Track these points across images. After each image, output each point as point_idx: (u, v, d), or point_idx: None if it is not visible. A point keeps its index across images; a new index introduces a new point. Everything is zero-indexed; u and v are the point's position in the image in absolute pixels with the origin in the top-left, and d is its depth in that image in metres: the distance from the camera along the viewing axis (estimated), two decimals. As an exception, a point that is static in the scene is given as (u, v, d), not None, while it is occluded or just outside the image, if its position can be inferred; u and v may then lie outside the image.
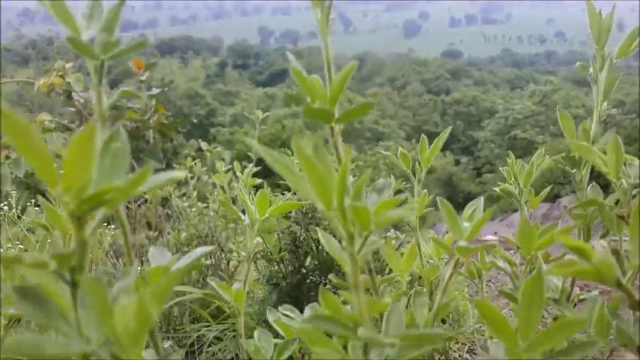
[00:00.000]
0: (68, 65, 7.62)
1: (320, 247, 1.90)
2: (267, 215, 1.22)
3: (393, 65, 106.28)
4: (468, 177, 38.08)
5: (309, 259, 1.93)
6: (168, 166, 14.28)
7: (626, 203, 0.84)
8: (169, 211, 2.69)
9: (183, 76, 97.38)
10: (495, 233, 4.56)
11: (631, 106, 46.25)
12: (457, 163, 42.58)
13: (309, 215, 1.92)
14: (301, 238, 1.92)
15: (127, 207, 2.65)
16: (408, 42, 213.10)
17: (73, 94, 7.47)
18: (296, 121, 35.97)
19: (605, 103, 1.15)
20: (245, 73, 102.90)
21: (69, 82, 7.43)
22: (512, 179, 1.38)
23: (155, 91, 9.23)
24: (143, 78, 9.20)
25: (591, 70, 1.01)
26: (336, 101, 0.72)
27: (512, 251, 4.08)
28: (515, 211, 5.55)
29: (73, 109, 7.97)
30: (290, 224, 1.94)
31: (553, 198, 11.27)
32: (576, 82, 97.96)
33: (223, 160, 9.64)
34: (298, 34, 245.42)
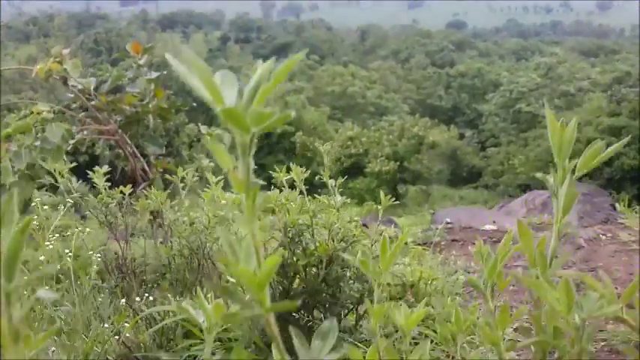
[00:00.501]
0: (65, 51, 7.53)
1: (307, 269, 1.89)
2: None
3: (397, 37, 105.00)
4: (473, 151, 37.86)
5: (297, 281, 1.92)
6: (170, 146, 14.17)
7: (578, 341, 0.79)
8: (161, 222, 2.66)
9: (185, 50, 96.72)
10: (494, 222, 4.54)
11: (638, 77, 45.67)
12: (461, 136, 42.29)
13: (296, 240, 1.91)
14: (288, 262, 1.90)
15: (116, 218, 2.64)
16: (412, 13, 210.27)
17: (70, 80, 7.40)
18: (299, 96, 35.75)
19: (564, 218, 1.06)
20: (247, 47, 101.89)
21: (65, 69, 7.36)
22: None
23: (154, 74, 9.13)
24: (142, 62, 9.09)
25: (551, 181, 0.93)
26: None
27: (510, 242, 4.04)
28: (512, 197, 5.51)
29: (72, 95, 7.91)
30: (277, 248, 1.92)
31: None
32: (582, 52, 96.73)
33: (224, 144, 9.60)
34: (301, 7, 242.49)
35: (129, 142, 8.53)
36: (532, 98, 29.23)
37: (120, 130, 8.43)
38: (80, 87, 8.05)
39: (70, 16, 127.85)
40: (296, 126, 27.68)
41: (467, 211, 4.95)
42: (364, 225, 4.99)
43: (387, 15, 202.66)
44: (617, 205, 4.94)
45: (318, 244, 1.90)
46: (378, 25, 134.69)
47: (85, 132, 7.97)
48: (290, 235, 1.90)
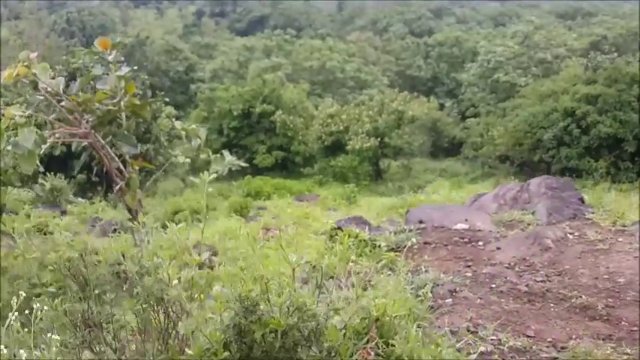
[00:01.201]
0: (33, 55, 7.37)
1: (265, 337, 1.93)
2: None
3: (375, 6, 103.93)
4: (453, 122, 37.96)
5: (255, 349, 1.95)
6: (147, 132, 14.05)
7: None
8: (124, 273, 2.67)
9: (160, 27, 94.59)
10: (466, 220, 4.61)
11: (614, 41, 45.88)
12: (441, 106, 42.35)
13: (250, 310, 1.95)
14: (245, 330, 1.94)
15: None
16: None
17: (40, 83, 7.26)
18: (277, 74, 35.38)
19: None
20: (223, 21, 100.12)
21: (35, 73, 7.21)
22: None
23: (124, 70, 8.98)
24: (110, 58, 8.92)
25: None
26: None
27: (480, 242, 4.11)
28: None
29: (42, 97, 7.75)
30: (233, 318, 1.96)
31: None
32: (560, 15, 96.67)
33: (199, 137, 9.50)
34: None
35: (102, 142, 8.43)
36: (510, 67, 29.26)
37: (93, 131, 8.33)
38: (50, 89, 7.91)
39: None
40: (275, 105, 27.49)
41: (440, 209, 5.01)
42: (339, 228, 5.04)
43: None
44: (584, 197, 5.03)
45: (272, 315, 1.93)
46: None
47: (57, 135, 7.86)
48: (245, 305, 1.93)
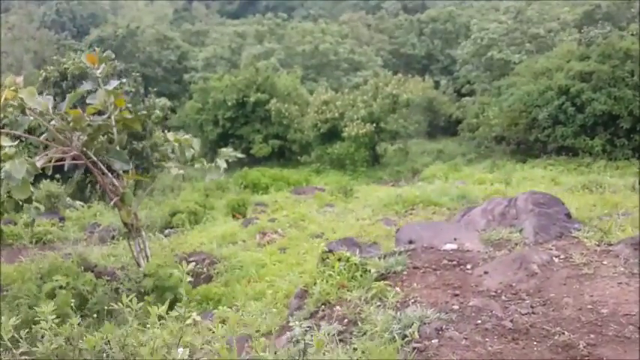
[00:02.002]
0: (19, 79, 7.34)
1: None
2: None
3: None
4: (449, 100, 37.82)
5: None
6: (139, 139, 14.02)
7: None
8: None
9: (150, 14, 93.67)
10: (455, 240, 4.65)
11: (608, 9, 45.44)
12: (437, 84, 42.14)
13: None
14: None
15: None
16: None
17: (27, 109, 7.22)
18: (270, 60, 35.16)
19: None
20: (214, 4, 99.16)
21: (22, 98, 7.17)
22: None
23: (113, 84, 8.96)
24: (99, 72, 8.89)
25: None
26: None
27: (469, 265, 4.16)
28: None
29: (31, 119, 7.71)
30: None
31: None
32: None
33: (193, 148, 9.50)
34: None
35: (94, 159, 8.44)
36: (503, 44, 29.05)
37: (84, 149, 8.33)
38: (39, 110, 7.89)
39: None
40: (270, 93, 27.37)
41: (429, 228, 5.04)
42: (330, 251, 5.09)
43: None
44: (571, 212, 5.06)
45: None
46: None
47: (49, 155, 7.87)
48: None
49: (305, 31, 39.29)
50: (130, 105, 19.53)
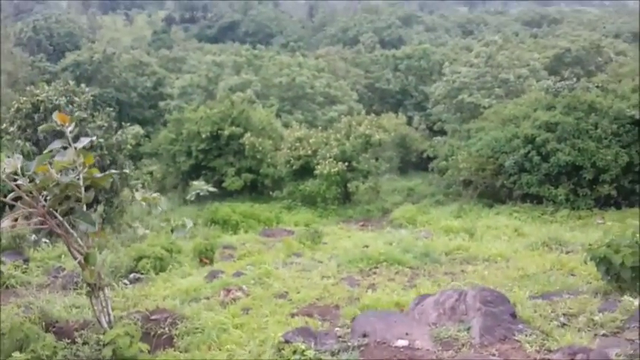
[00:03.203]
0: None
1: None
2: None
3: (345, 12, 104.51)
4: (421, 136, 38.57)
5: None
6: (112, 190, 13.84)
7: None
8: None
9: (129, 34, 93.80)
10: (407, 335, 4.83)
11: (577, 54, 47.12)
12: (410, 119, 42.95)
13: None
14: None
15: None
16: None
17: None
18: (246, 91, 35.44)
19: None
20: (193, 28, 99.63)
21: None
22: None
23: (84, 141, 9.07)
24: (70, 130, 9.00)
25: None
26: None
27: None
28: (429, 295, 5.83)
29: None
30: None
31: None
32: (526, 22, 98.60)
33: (159, 207, 9.59)
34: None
35: (60, 219, 8.47)
36: (474, 88, 29.87)
37: (51, 209, 8.36)
38: (8, 170, 7.94)
39: (6, 1, 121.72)
40: (244, 127, 27.56)
41: (384, 318, 5.22)
42: (287, 342, 5.21)
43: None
44: (516, 311, 5.28)
45: None
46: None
47: (14, 215, 7.89)
48: None
49: (282, 63, 39.80)
50: (102, 140, 19.53)
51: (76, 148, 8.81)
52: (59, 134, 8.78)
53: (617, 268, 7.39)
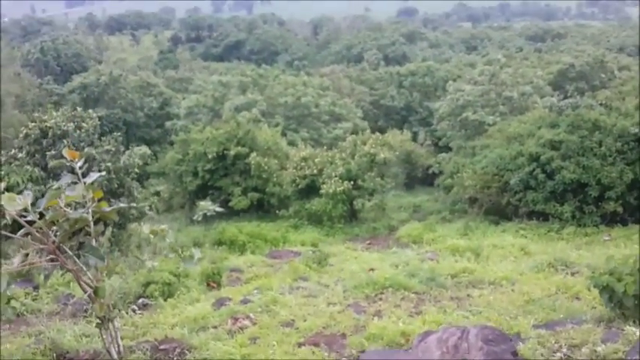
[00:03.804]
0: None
1: None
2: None
3: (350, 29, 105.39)
4: (426, 152, 38.74)
5: None
6: (117, 196, 14.30)
7: None
8: None
9: (135, 54, 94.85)
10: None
11: (581, 69, 47.28)
12: (415, 135, 43.15)
13: None
14: None
15: None
16: (363, 2, 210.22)
17: (7, 212, 7.46)
18: (252, 110, 35.77)
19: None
20: (199, 47, 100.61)
21: (1, 205, 7.44)
22: None
23: (93, 176, 9.27)
24: (79, 165, 9.22)
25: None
26: None
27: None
28: (432, 332, 5.90)
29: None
30: None
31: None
32: (530, 37, 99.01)
33: (166, 240, 9.77)
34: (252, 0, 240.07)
35: (70, 253, 8.63)
36: (478, 105, 30.07)
37: (61, 244, 8.53)
38: (19, 207, 8.12)
39: (13, 22, 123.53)
40: (250, 146, 27.78)
41: (388, 355, 5.31)
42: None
43: (338, 4, 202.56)
44: (520, 343, 5.36)
45: None
46: (331, 17, 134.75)
47: (25, 252, 8.05)
48: None
49: (287, 83, 40.18)
50: (110, 164, 19.74)
51: (85, 183, 9.09)
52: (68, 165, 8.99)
53: (619, 296, 7.44)
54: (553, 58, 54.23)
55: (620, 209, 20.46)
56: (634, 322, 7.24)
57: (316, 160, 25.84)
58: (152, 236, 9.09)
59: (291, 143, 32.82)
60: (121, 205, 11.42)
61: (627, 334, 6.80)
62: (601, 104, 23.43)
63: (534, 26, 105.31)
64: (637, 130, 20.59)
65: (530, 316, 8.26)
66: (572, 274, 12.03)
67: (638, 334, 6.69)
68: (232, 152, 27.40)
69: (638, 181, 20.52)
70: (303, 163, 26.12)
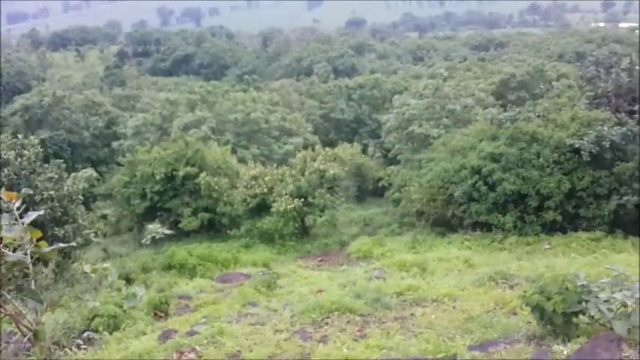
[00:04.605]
0: None
1: None
2: None
3: (299, 42, 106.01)
4: (376, 164, 39.36)
5: None
6: (61, 224, 14.05)
7: None
8: None
9: (81, 70, 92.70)
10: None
11: (522, 78, 49.05)
12: (365, 147, 43.78)
13: None
14: None
15: None
16: (312, 13, 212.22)
17: None
18: (201, 128, 35.55)
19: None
20: (146, 61, 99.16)
21: None
22: None
23: (32, 215, 9.17)
24: (17, 206, 9.10)
25: None
26: None
27: None
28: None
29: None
30: None
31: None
32: (474, 47, 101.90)
33: (109, 277, 9.71)
34: (200, 12, 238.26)
35: (8, 297, 8.47)
36: (423, 119, 30.83)
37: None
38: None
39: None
40: (199, 166, 27.59)
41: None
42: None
43: (287, 15, 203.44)
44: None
45: None
46: (279, 28, 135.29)
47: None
48: None
49: (237, 99, 40.12)
50: (52, 192, 19.26)
51: (23, 224, 8.95)
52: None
53: (549, 314, 7.83)
54: (495, 67, 56.11)
55: (559, 218, 21.31)
56: (563, 340, 7.64)
57: (266, 178, 25.90)
58: (93, 275, 9.07)
59: (242, 160, 32.76)
60: (61, 245, 11.22)
61: (555, 352, 7.18)
62: (538, 116, 24.39)
63: (478, 35, 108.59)
64: (572, 142, 21.51)
65: (467, 336, 8.57)
66: (512, 286, 12.48)
67: (565, 352, 7.08)
68: (181, 172, 27.14)
69: (576, 190, 21.43)
70: (253, 182, 26.13)
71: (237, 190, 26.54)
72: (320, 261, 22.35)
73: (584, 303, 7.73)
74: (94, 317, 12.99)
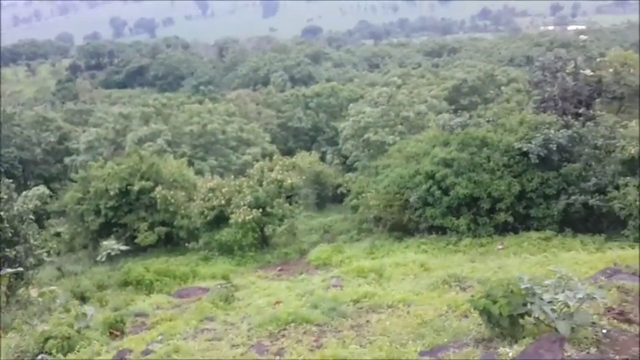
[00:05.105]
0: None
1: None
2: None
3: (255, 52, 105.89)
4: (335, 171, 39.66)
5: None
6: (12, 242, 13.59)
7: None
8: None
9: (32, 85, 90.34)
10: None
11: (473, 83, 50.28)
12: (324, 154, 44.05)
13: None
14: None
15: None
16: (267, 21, 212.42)
17: None
18: (156, 141, 35.10)
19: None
20: (99, 74, 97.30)
21: None
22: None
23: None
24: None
25: None
26: None
27: None
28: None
29: None
30: None
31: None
32: (427, 53, 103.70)
33: (57, 301, 9.55)
34: (154, 22, 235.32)
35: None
36: (379, 126, 31.28)
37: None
38: None
39: None
40: (155, 180, 27.27)
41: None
42: None
43: (242, 24, 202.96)
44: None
45: None
46: (235, 38, 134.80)
47: None
48: None
49: (192, 111, 39.83)
50: (2, 213, 18.75)
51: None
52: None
53: (496, 317, 8.07)
54: (448, 73, 57.33)
55: (510, 219, 21.92)
56: (510, 342, 7.88)
57: (224, 189, 25.77)
58: (40, 299, 8.90)
59: (199, 172, 32.52)
60: (9, 270, 11.00)
61: (501, 354, 7.41)
62: (488, 121, 25.07)
63: (431, 42, 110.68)
64: (521, 145, 22.17)
65: (419, 341, 8.75)
66: (464, 289, 12.78)
67: (510, 354, 7.32)
68: (136, 187, 26.76)
69: (525, 192, 22.09)
70: (210, 194, 25.96)
71: (195, 202, 26.32)
72: (280, 270, 22.35)
73: (528, 305, 7.99)
74: (47, 340, 12.69)
